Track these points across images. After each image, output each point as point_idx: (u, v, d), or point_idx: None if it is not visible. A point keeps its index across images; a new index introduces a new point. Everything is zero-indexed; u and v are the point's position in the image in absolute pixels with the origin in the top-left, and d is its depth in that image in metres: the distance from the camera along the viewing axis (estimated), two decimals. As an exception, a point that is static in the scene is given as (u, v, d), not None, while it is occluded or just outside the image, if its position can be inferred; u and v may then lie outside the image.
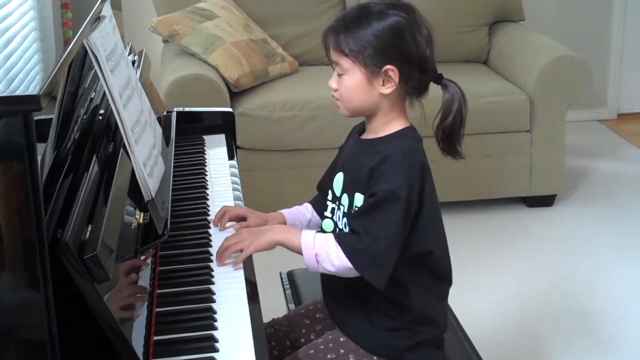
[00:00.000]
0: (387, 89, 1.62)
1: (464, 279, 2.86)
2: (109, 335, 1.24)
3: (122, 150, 1.61)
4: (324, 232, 1.76)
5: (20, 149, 1.08)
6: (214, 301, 1.53)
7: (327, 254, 1.60)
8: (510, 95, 3.65)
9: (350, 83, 1.63)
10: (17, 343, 1.15)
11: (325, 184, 1.83)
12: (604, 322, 2.88)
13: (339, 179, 1.72)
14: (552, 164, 3.71)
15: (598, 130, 4.81)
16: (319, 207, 1.84)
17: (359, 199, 1.64)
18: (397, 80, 1.61)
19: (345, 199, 1.68)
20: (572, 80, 3.62)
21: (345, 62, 1.62)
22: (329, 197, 1.75)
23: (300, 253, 1.64)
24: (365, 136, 1.71)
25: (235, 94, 3.56)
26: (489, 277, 3.18)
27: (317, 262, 1.62)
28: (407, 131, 1.67)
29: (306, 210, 1.88)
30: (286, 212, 1.87)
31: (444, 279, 1.75)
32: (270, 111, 3.50)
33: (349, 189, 1.68)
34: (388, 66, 1.60)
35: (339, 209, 1.71)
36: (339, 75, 1.65)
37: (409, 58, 1.61)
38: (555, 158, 3.71)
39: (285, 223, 1.85)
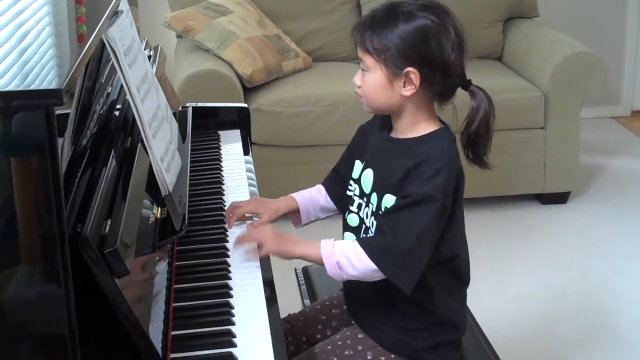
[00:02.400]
0: (408, 91, 1.60)
1: (479, 277, 2.84)
2: (129, 329, 1.24)
3: (139, 145, 1.61)
4: (346, 223, 1.76)
5: (41, 143, 1.08)
6: (231, 296, 1.53)
7: (348, 258, 1.59)
8: (524, 92, 3.63)
9: (371, 81, 1.62)
10: (38, 337, 1.15)
11: (341, 169, 1.82)
12: (620, 320, 2.87)
13: (367, 176, 1.70)
14: (566, 161, 3.69)
15: (612, 127, 4.78)
16: (333, 190, 1.83)
17: (388, 200, 1.62)
18: (417, 83, 1.58)
19: (374, 198, 1.66)
20: (587, 77, 3.60)
21: (369, 60, 1.61)
22: (356, 192, 1.73)
23: (322, 264, 1.62)
24: (394, 135, 1.69)
25: (249, 89, 3.56)
26: (503, 274, 3.17)
27: (340, 268, 1.60)
28: (442, 132, 1.65)
29: (319, 194, 1.86)
30: (298, 198, 1.86)
31: (465, 280, 1.75)
32: (284, 107, 3.50)
33: (379, 189, 1.65)
34: (409, 68, 1.57)
35: (367, 206, 1.69)
36: (363, 71, 1.63)
37: (432, 62, 1.58)
38: (569, 155, 3.69)
39: (297, 208, 1.85)
